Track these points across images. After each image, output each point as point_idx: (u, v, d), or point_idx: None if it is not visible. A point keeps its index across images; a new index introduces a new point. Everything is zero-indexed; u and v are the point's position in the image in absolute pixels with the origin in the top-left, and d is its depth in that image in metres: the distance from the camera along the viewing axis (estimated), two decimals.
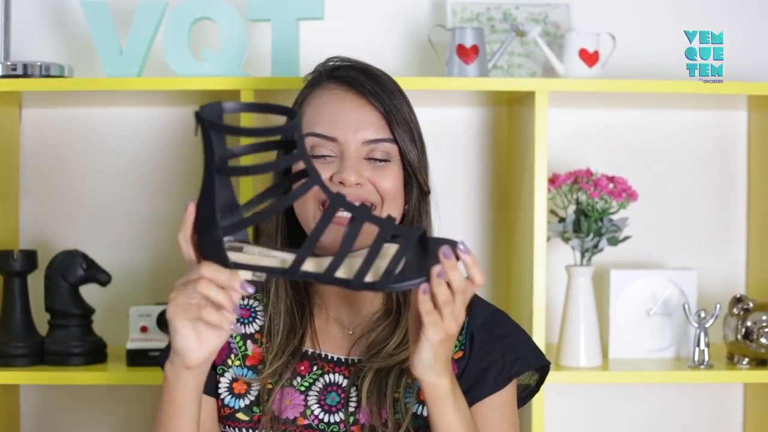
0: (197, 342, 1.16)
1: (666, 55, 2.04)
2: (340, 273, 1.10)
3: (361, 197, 1.31)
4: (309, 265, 1.11)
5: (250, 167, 1.12)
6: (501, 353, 1.36)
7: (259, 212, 1.12)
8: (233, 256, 1.11)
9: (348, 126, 1.32)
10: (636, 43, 2.09)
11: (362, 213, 1.10)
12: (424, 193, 1.38)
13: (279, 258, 1.13)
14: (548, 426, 1.97)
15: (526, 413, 1.81)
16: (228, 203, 1.11)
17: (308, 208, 1.33)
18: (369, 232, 1.13)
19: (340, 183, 1.30)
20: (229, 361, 1.37)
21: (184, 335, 1.15)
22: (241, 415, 1.35)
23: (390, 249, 1.11)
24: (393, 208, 1.34)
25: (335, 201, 1.10)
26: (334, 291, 1.38)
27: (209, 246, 1.11)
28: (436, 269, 1.10)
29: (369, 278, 1.10)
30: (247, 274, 1.11)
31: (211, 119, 1.08)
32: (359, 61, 1.39)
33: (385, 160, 1.33)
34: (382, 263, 1.10)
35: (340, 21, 2.05)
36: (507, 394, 1.37)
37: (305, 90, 1.39)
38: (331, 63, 1.40)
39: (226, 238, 1.11)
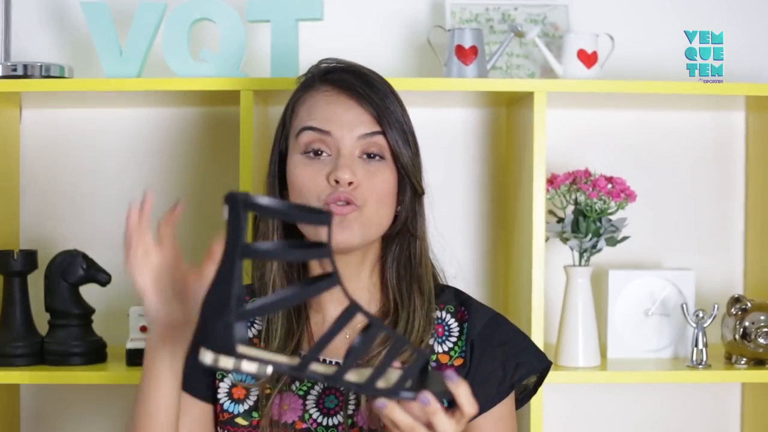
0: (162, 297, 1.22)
1: (665, 55, 2.05)
2: (351, 377, 1.08)
3: (349, 197, 1.31)
4: (318, 367, 1.09)
5: (276, 252, 1.07)
6: (501, 362, 1.37)
7: (275, 301, 1.06)
8: (239, 348, 1.04)
9: (341, 123, 1.33)
10: (634, 43, 2.09)
11: (378, 324, 1.07)
12: (418, 194, 1.38)
13: (281, 360, 1.09)
14: (547, 426, 1.98)
15: (525, 413, 1.81)
16: (239, 292, 1.04)
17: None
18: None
19: (335, 182, 1.31)
20: None
21: (145, 286, 1.22)
22: (240, 420, 1.35)
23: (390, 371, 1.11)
24: (383, 209, 1.35)
25: (354, 307, 1.06)
26: (330, 295, 1.39)
27: (217, 332, 1.02)
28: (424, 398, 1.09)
29: (380, 384, 1.09)
30: (252, 367, 1.04)
31: (246, 199, 1.01)
32: (352, 63, 1.40)
33: (380, 157, 1.34)
34: (389, 374, 1.09)
35: (339, 22, 2.05)
36: (507, 404, 1.38)
37: (297, 93, 1.40)
38: (323, 65, 1.40)
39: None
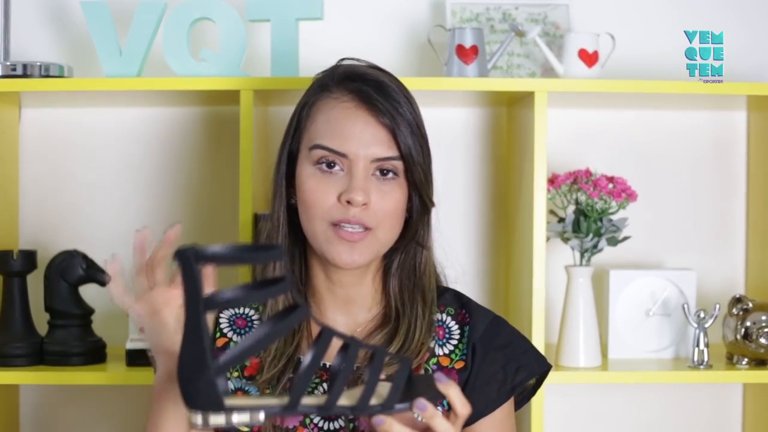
0: (169, 327, 1.23)
1: (665, 55, 2.05)
2: (342, 401, 1.06)
3: (362, 221, 1.30)
4: (308, 400, 1.07)
5: (240, 298, 1.04)
6: (502, 365, 1.37)
7: (250, 346, 1.03)
8: (226, 400, 1.02)
9: (359, 142, 1.31)
10: (635, 43, 2.09)
11: (355, 342, 1.06)
12: (427, 207, 1.37)
13: (271, 402, 1.07)
14: (547, 426, 1.98)
15: (526, 413, 1.81)
16: (210, 344, 1.01)
17: (316, 227, 1.32)
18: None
19: (348, 202, 1.30)
20: (228, 373, 1.37)
21: (156, 327, 1.24)
22: (241, 426, 1.35)
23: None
24: (395, 228, 1.34)
25: (328, 331, 1.05)
26: (331, 298, 1.39)
27: (200, 391, 1.00)
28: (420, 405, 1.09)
29: (373, 401, 1.07)
30: (244, 417, 1.03)
31: (195, 252, 1.00)
32: (370, 69, 1.37)
33: (393, 174, 1.32)
34: (379, 388, 1.08)
35: (340, 21, 2.05)
36: (507, 407, 1.38)
37: (315, 94, 1.36)
38: (342, 68, 1.37)
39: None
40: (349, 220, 1.29)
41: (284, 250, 1.15)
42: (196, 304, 0.99)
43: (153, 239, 1.27)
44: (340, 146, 1.31)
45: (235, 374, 1.37)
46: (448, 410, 1.14)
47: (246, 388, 1.35)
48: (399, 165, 1.32)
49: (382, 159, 1.31)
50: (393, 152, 1.32)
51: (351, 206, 1.29)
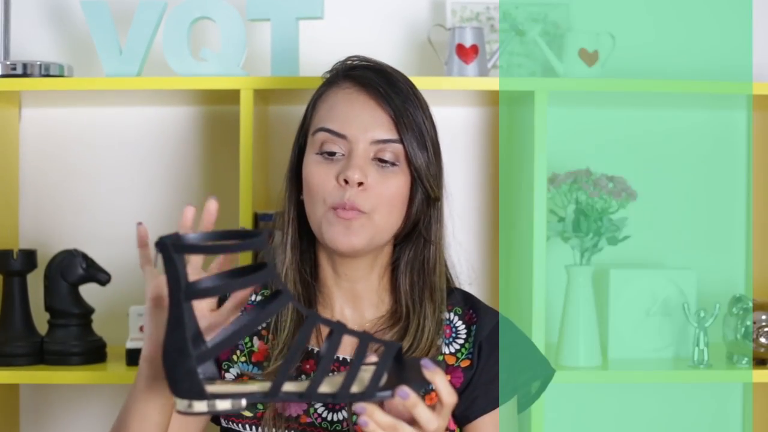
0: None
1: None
2: (324, 388, 1.06)
3: (356, 206, 1.30)
4: (290, 387, 1.07)
5: (220, 287, 1.05)
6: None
7: (231, 335, 1.04)
8: (209, 387, 1.03)
9: (358, 125, 1.32)
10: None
11: (340, 328, 1.06)
12: (432, 199, 1.37)
13: (252, 389, 1.07)
14: (548, 426, 1.97)
15: (526, 412, 1.81)
16: (195, 331, 1.03)
17: (317, 210, 1.33)
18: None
19: (344, 181, 1.30)
20: (235, 357, 1.38)
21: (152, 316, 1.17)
22: (244, 411, 1.35)
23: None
24: (393, 215, 1.34)
25: (313, 317, 1.05)
26: (338, 293, 1.39)
27: (182, 379, 1.02)
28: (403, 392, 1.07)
29: (354, 389, 1.06)
30: (225, 404, 1.03)
31: (175, 242, 1.01)
32: (377, 62, 1.39)
33: (392, 164, 1.33)
34: (363, 375, 1.08)
35: (340, 20, 2.05)
36: (509, 407, 1.38)
37: (321, 87, 1.39)
38: (349, 62, 1.39)
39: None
40: (344, 204, 1.30)
41: (267, 237, 1.13)
42: (177, 293, 1.01)
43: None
44: (340, 128, 1.32)
45: (242, 359, 1.37)
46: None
47: (254, 375, 1.36)
48: (399, 150, 1.33)
49: (382, 141, 1.32)
50: (393, 135, 1.32)
51: (348, 186, 1.30)
